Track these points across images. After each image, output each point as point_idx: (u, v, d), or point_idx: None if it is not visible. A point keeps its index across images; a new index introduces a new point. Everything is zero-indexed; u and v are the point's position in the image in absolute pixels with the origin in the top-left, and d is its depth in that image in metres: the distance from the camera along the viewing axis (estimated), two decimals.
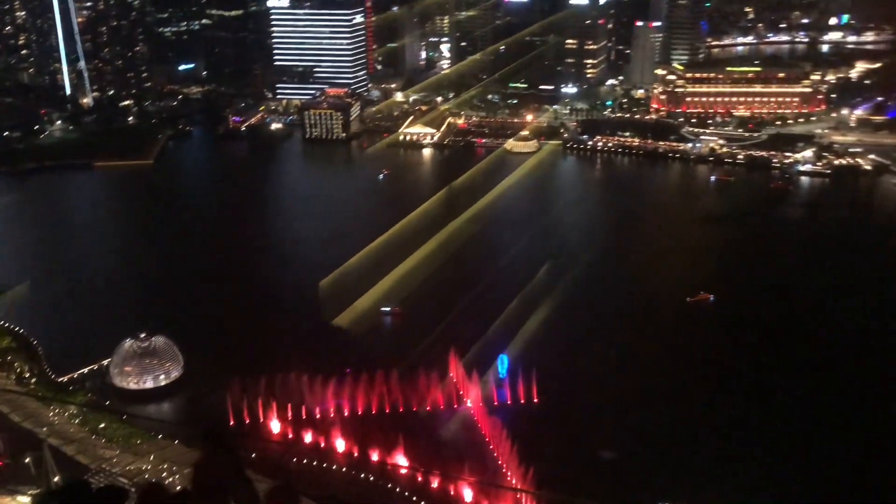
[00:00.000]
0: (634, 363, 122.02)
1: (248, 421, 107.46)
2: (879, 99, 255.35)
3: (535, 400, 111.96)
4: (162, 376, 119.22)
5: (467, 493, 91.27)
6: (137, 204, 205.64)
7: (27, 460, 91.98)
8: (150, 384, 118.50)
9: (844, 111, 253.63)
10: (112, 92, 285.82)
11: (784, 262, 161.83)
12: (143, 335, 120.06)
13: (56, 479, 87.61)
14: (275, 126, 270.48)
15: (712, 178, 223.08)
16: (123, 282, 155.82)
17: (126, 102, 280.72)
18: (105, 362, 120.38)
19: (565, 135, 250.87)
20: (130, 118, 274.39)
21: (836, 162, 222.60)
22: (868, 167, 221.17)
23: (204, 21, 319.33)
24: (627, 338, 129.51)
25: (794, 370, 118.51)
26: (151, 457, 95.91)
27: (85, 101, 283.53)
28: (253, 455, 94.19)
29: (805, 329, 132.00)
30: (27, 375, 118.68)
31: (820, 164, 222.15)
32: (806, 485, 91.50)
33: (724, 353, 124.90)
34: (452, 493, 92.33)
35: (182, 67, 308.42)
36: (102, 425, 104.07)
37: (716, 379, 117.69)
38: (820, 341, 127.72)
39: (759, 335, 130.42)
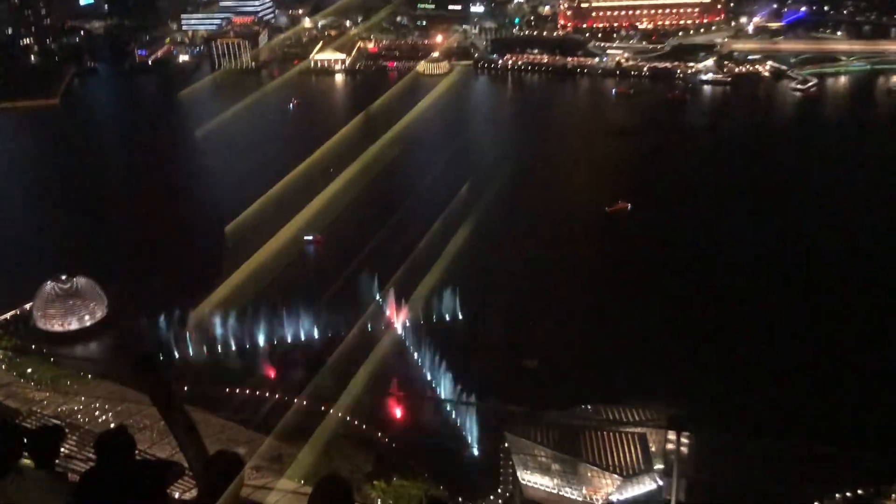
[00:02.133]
0: (559, 274, 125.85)
1: (177, 354, 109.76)
2: (775, 6, 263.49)
3: (459, 317, 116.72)
4: (87, 317, 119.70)
5: (398, 411, 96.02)
6: (45, 146, 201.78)
7: None
8: (75, 325, 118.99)
9: (743, 19, 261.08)
10: (10, 31, 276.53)
11: (691, 170, 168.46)
12: (63, 277, 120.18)
13: None
14: (182, 58, 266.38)
15: (612, 91, 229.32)
16: (38, 226, 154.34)
17: (26, 41, 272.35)
18: (27, 306, 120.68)
19: (476, 55, 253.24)
20: (32, 57, 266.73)
21: (737, 70, 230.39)
22: (766, 73, 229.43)
23: None
24: (551, 250, 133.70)
25: (707, 272, 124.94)
26: (82, 397, 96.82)
27: None
28: (185, 388, 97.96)
29: (715, 231, 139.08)
30: None
31: (721, 72, 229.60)
32: (708, 379, 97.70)
33: (645, 258, 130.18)
34: (385, 410, 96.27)
35: (83, 2, 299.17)
36: (30, 369, 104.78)
37: (639, 282, 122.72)
38: (728, 243, 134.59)
39: (675, 239, 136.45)
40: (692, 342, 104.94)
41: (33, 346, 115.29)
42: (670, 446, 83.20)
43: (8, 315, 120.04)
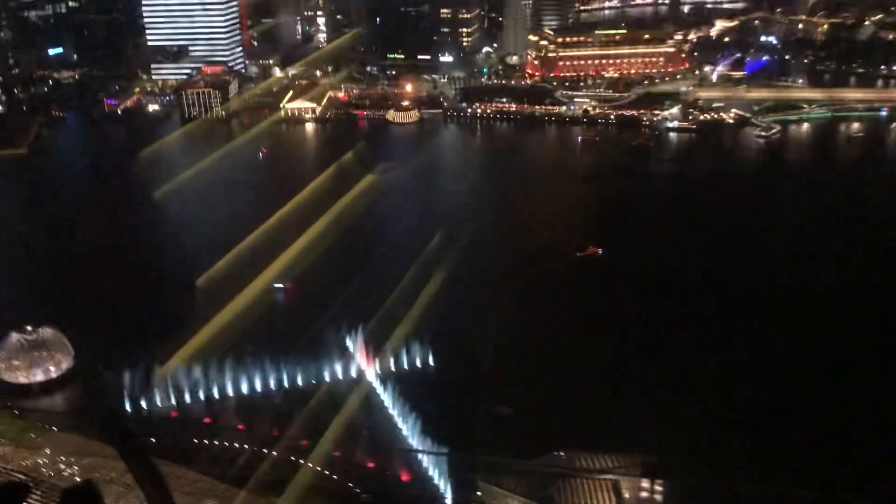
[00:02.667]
0: (532, 320, 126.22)
1: (144, 406, 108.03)
2: (738, 55, 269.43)
3: (431, 366, 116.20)
4: (52, 368, 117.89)
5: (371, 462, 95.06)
6: (12, 196, 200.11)
7: None
8: (40, 377, 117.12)
9: (707, 68, 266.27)
10: None
11: (659, 214, 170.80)
12: (29, 328, 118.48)
13: None
14: (152, 107, 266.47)
15: (579, 138, 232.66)
16: (3, 276, 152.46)
17: None
18: None
19: (445, 103, 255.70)
20: (0, 106, 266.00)
21: (702, 117, 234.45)
22: (731, 120, 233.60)
23: (71, 3, 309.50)
24: (522, 296, 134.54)
25: (679, 316, 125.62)
26: (47, 450, 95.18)
27: None
28: (153, 439, 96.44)
29: (685, 275, 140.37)
30: None
31: (686, 120, 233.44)
32: (681, 422, 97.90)
33: (618, 303, 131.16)
34: (358, 461, 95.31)
35: (51, 52, 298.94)
36: None
37: (610, 328, 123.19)
38: (698, 287, 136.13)
39: (647, 283, 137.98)
40: (666, 386, 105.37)
41: None
42: (644, 493, 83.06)
43: None
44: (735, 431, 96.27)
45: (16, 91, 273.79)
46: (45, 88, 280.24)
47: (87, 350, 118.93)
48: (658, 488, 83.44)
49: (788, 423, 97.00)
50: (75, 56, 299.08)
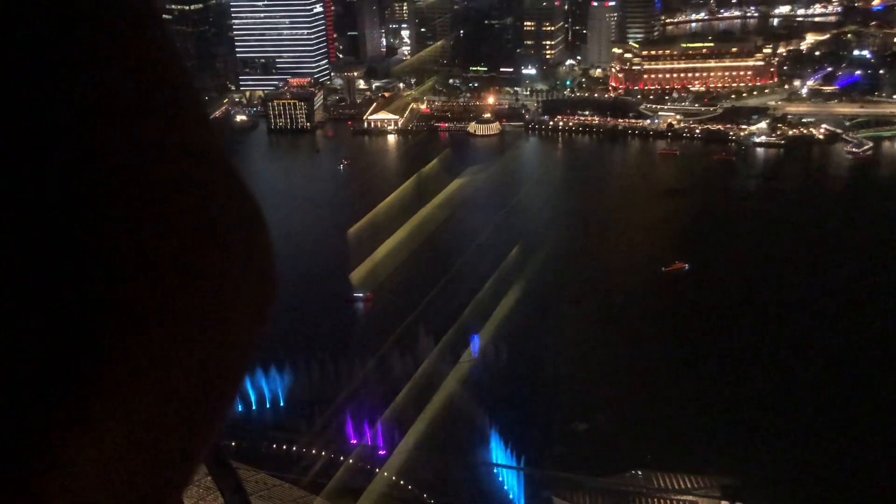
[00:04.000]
0: (612, 334, 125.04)
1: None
2: (829, 69, 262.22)
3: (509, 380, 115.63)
4: None
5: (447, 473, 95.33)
6: None
7: None
8: None
9: (796, 83, 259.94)
10: None
11: (746, 231, 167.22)
12: None
13: None
14: (239, 118, 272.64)
15: (658, 152, 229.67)
16: None
17: None
18: None
19: (527, 116, 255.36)
20: None
21: (790, 132, 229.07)
22: (820, 136, 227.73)
23: (164, 16, 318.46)
24: (604, 309, 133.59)
25: (769, 337, 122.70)
26: None
27: None
28: (233, 444, 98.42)
29: (776, 294, 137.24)
30: None
31: (774, 135, 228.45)
32: (765, 447, 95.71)
33: (705, 320, 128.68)
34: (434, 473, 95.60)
35: None
36: None
37: (696, 345, 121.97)
38: (790, 306, 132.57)
39: (736, 300, 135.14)
40: (751, 409, 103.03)
41: None
42: None
43: None
44: (825, 462, 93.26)
45: None
46: None
47: None
48: None
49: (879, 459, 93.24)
50: None
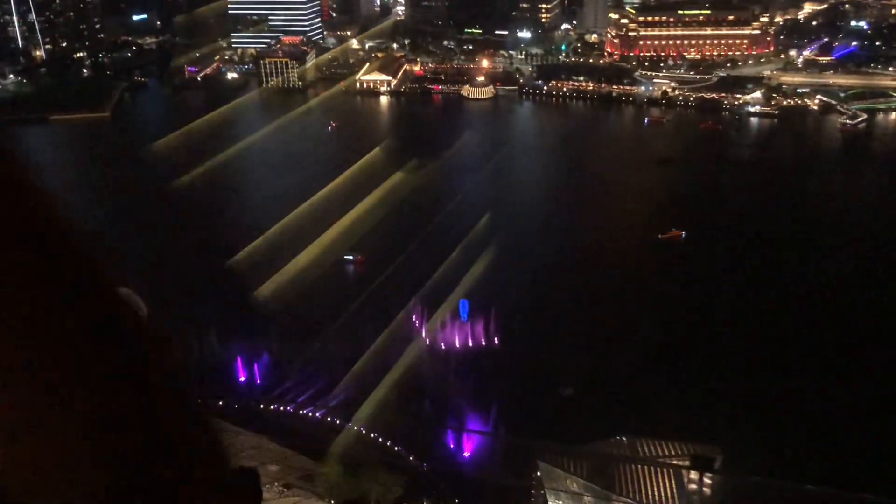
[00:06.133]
0: (606, 300, 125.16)
1: (216, 370, 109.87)
2: (826, 40, 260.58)
3: (497, 343, 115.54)
4: None
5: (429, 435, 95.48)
6: (97, 156, 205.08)
7: None
8: None
9: (792, 52, 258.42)
10: (65, 44, 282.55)
11: (740, 200, 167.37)
12: None
13: None
14: (231, 76, 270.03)
15: (645, 119, 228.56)
16: (86, 232, 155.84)
17: (80, 54, 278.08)
18: None
19: (521, 80, 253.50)
20: (85, 70, 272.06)
21: (785, 102, 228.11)
22: (815, 107, 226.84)
23: None
24: (599, 275, 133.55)
25: (766, 308, 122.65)
26: None
27: (37, 53, 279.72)
28: (221, 403, 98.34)
29: (775, 260, 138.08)
30: None
31: (768, 104, 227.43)
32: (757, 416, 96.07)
33: (702, 288, 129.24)
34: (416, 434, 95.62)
35: (135, 18, 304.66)
36: None
37: (692, 313, 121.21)
38: (786, 271, 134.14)
39: (734, 268, 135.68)
40: (744, 379, 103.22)
41: None
42: (706, 485, 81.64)
43: None
44: (816, 434, 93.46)
45: (100, 56, 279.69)
46: (129, 54, 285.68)
47: (157, 312, 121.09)
48: (721, 481, 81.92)
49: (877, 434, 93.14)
50: (158, 23, 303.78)
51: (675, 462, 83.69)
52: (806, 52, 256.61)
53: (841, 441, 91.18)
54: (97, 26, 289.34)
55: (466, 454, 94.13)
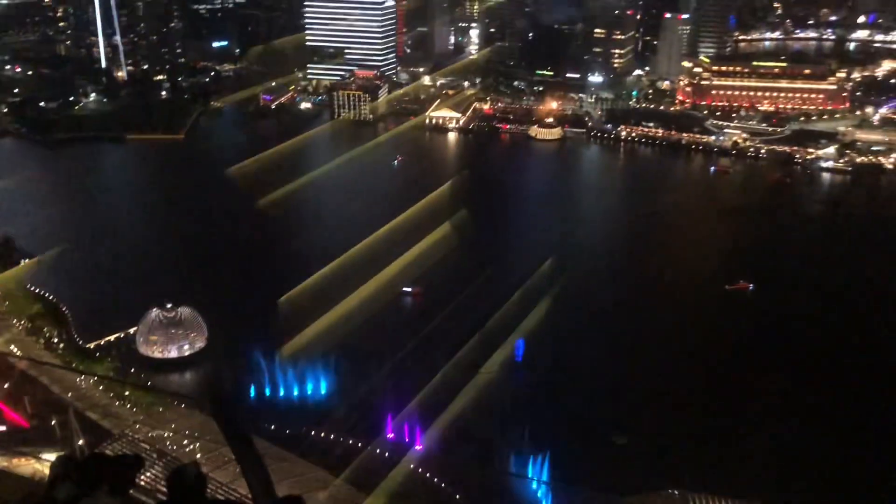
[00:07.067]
0: (671, 350, 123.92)
1: (268, 394, 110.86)
2: None
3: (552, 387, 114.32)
4: (186, 346, 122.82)
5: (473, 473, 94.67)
6: (168, 178, 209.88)
7: (52, 423, 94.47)
8: (174, 353, 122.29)
9: (869, 109, 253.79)
10: (146, 66, 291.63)
11: (811, 255, 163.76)
12: (169, 305, 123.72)
13: (80, 442, 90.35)
14: (304, 105, 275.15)
15: (711, 168, 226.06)
16: (152, 253, 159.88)
17: (159, 77, 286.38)
18: (132, 331, 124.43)
19: (589, 123, 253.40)
20: (163, 93, 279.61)
21: (858, 160, 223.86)
22: (890, 165, 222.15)
23: None
24: (665, 326, 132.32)
25: (831, 364, 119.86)
26: (173, 425, 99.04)
27: (119, 74, 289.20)
28: (272, 427, 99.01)
29: (843, 320, 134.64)
30: (55, 341, 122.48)
31: (841, 161, 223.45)
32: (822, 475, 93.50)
33: (769, 342, 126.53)
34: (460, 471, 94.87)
35: (215, 45, 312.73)
36: (127, 392, 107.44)
37: (756, 368, 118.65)
38: (853, 329, 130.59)
39: (801, 323, 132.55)
40: (803, 436, 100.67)
41: (133, 371, 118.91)
42: None
43: (112, 337, 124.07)
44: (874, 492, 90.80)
45: (180, 79, 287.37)
46: (207, 79, 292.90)
47: (221, 331, 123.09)
48: None
49: None
50: (237, 50, 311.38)
51: None
52: (883, 110, 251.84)
53: None
54: (178, 51, 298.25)
55: (514, 499, 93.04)
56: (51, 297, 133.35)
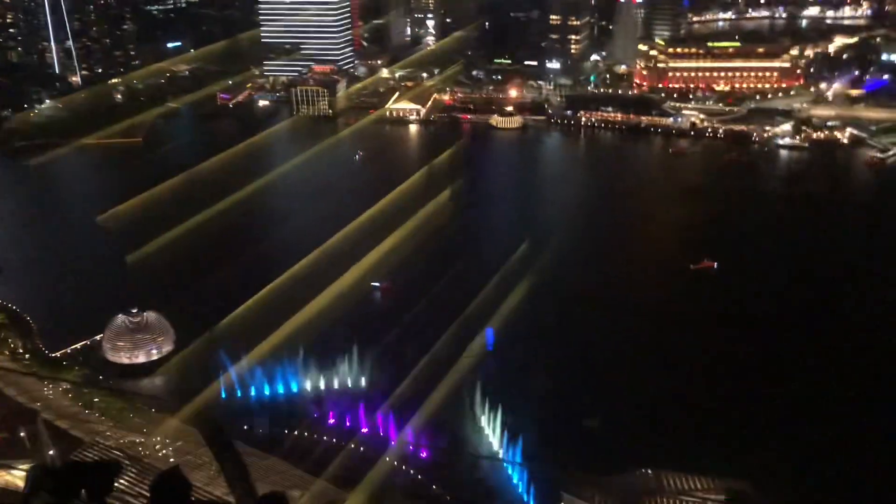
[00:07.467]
0: (636, 330, 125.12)
1: (239, 394, 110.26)
2: (856, 73, 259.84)
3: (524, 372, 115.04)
4: (154, 351, 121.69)
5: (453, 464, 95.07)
6: (128, 182, 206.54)
7: (22, 434, 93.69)
8: (142, 359, 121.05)
9: (822, 85, 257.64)
10: (100, 70, 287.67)
11: (771, 232, 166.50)
12: (134, 310, 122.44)
13: (51, 452, 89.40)
14: (262, 103, 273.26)
15: (670, 150, 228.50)
16: (115, 259, 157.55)
17: (114, 80, 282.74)
18: (98, 337, 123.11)
19: (549, 110, 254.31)
20: (119, 96, 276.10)
21: (814, 135, 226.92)
22: (845, 140, 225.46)
23: None
24: (632, 305, 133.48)
25: (798, 341, 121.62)
26: (144, 430, 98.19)
27: (74, 79, 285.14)
28: (245, 427, 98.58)
29: (808, 295, 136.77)
30: (21, 351, 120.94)
31: (798, 137, 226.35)
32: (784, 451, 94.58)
33: (733, 320, 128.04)
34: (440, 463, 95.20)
35: (170, 45, 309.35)
36: (96, 399, 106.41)
37: (722, 345, 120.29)
38: (817, 303, 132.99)
39: (767, 300, 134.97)
40: (770, 413, 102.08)
41: (101, 378, 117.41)
42: None
43: (79, 345, 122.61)
44: (841, 468, 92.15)
45: (134, 82, 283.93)
46: (162, 81, 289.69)
47: (187, 335, 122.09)
48: None
49: None
50: (192, 50, 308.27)
51: (709, 497, 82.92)
52: (836, 86, 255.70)
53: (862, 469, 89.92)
54: (132, 53, 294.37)
55: (491, 483, 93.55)
56: (14, 308, 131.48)
